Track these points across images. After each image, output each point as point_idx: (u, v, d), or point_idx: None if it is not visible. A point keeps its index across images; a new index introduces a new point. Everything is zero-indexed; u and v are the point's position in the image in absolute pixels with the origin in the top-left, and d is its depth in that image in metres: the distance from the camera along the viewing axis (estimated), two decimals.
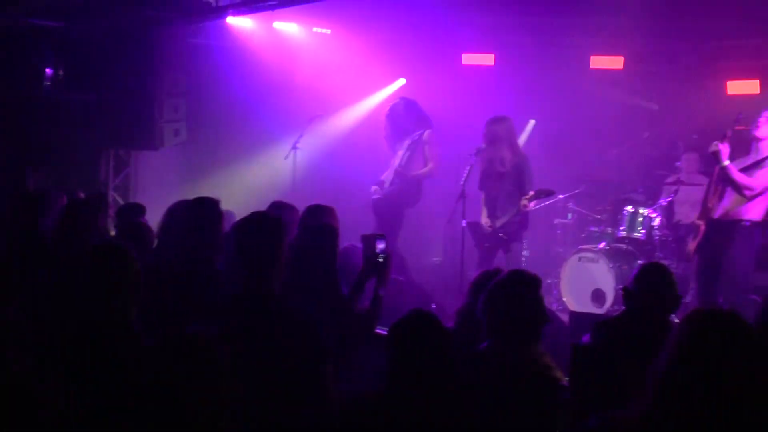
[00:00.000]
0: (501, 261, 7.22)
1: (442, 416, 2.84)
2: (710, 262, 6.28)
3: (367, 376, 3.95)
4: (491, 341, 3.42)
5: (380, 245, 4.33)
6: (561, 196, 9.01)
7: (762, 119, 6.17)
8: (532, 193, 6.93)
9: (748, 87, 9.57)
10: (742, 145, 6.43)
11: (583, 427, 2.43)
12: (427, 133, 8.07)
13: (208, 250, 4.46)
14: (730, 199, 6.20)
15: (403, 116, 8.16)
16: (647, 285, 3.63)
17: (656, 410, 2.25)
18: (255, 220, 3.48)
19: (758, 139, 6.17)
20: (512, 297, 3.40)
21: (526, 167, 7.14)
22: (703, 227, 6.25)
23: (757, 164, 6.05)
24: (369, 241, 4.35)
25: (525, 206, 6.94)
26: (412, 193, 8.07)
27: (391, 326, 3.02)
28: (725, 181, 6.20)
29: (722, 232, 6.18)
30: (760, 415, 2.17)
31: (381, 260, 4.32)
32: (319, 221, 4.76)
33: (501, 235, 7.13)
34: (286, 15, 9.27)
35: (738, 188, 6.05)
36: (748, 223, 6.17)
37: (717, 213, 6.23)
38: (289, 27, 9.62)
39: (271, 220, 3.49)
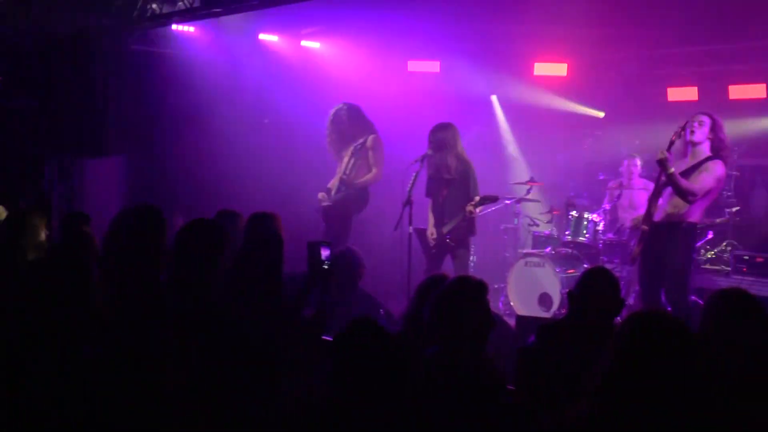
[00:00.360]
0: (449, 266, 7.27)
1: (386, 424, 2.84)
2: (652, 264, 6.40)
3: (314, 384, 3.95)
4: (438, 347, 3.44)
5: (325, 252, 4.33)
6: (507, 202, 9.11)
7: (696, 124, 6.31)
8: (477, 198, 6.98)
9: (687, 93, 9.81)
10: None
11: (529, 428, 2.47)
12: (370, 138, 8.07)
13: (152, 259, 4.41)
14: (670, 202, 6.33)
15: (346, 122, 8.14)
16: (590, 288, 3.66)
17: (598, 409, 2.29)
18: (195, 227, 3.46)
19: (694, 144, 6.29)
20: (458, 303, 3.41)
21: (471, 173, 7.18)
22: (646, 230, 6.37)
23: (695, 168, 6.18)
24: (314, 248, 4.34)
25: (471, 212, 6.99)
26: (359, 200, 8.08)
27: (336, 335, 3.02)
28: (669, 186, 6.32)
29: (663, 234, 6.30)
30: (698, 414, 2.23)
31: (326, 267, 4.32)
32: (263, 229, 4.74)
33: (448, 240, 7.18)
34: (233, 22, 9.25)
35: (683, 194, 6.16)
36: (687, 225, 6.30)
37: (657, 216, 6.35)
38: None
39: (211, 227, 3.48)
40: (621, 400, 2.26)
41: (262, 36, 9.82)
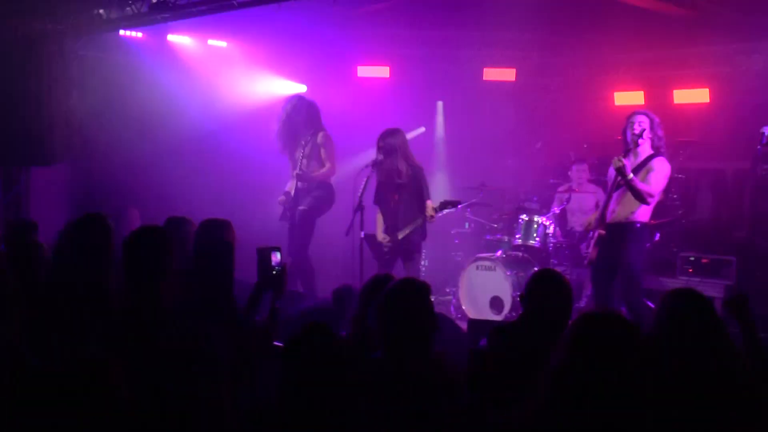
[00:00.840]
0: (400, 270, 7.29)
1: (336, 429, 2.84)
2: (606, 266, 6.50)
3: (266, 389, 3.92)
4: (384, 349, 3.45)
5: (275, 257, 4.32)
6: (458, 206, 9.16)
7: (636, 124, 6.43)
8: (441, 202, 7.05)
9: (634, 98, 9.98)
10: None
11: (480, 428, 2.49)
12: (320, 135, 8.07)
13: (99, 267, 4.35)
14: (620, 204, 6.43)
15: (305, 115, 8.14)
16: (540, 291, 3.71)
17: (548, 409, 2.31)
18: (143, 233, 3.44)
19: (637, 145, 6.43)
20: (401, 305, 3.44)
21: (422, 178, 7.23)
22: (603, 234, 6.45)
23: (640, 167, 6.30)
24: (264, 253, 4.33)
25: (432, 217, 7.03)
26: (328, 200, 8.09)
27: (286, 341, 3.01)
28: (619, 189, 6.42)
29: (615, 236, 6.40)
30: (644, 413, 2.26)
31: (275, 273, 4.31)
32: (213, 236, 4.70)
33: (404, 246, 7.21)
34: (181, 28, 9.17)
35: (642, 197, 6.28)
36: (638, 225, 6.41)
37: (609, 218, 6.46)
38: (183, 40, 9.52)
39: (159, 234, 3.46)
40: (570, 399, 2.28)
41: (210, 42, 9.72)
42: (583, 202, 8.94)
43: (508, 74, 10.59)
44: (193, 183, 9.04)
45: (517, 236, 8.57)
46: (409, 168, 7.20)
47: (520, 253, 8.51)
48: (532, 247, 8.48)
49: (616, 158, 6.24)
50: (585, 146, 9.86)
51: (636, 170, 6.27)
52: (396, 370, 3.34)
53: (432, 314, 3.51)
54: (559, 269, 8.27)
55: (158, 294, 3.32)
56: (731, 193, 9.31)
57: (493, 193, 9.73)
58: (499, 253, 8.50)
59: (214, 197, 8.92)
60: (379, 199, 7.43)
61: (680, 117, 9.33)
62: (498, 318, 7.99)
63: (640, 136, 6.36)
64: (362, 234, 7.18)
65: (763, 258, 7.87)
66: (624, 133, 6.56)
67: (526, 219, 8.55)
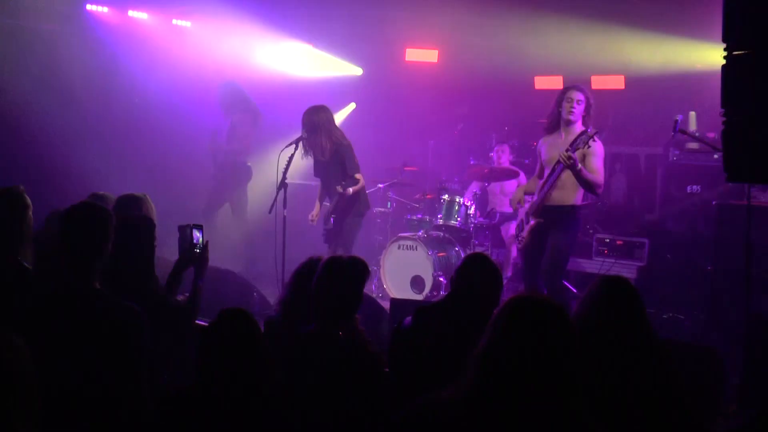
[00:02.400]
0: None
1: (253, 414, 2.82)
2: (537, 248, 6.49)
3: (187, 369, 3.86)
4: (316, 322, 3.47)
5: (197, 235, 4.25)
6: (380, 186, 9.19)
7: (575, 103, 6.31)
8: (343, 183, 7.03)
9: (553, 82, 10.15)
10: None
11: (404, 410, 2.48)
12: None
13: (13, 245, 4.18)
14: (554, 187, 6.36)
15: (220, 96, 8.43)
16: (470, 273, 3.71)
17: (476, 391, 2.32)
18: (82, 210, 3.30)
19: (572, 122, 6.36)
20: (344, 276, 3.54)
21: (347, 154, 7.20)
22: (542, 222, 6.40)
23: (574, 145, 6.09)
24: (185, 231, 4.26)
25: (342, 193, 7.02)
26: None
27: (205, 328, 2.97)
28: (555, 173, 6.33)
29: (549, 219, 6.40)
30: (570, 396, 2.30)
31: (198, 251, 4.25)
32: (132, 212, 4.59)
33: (332, 221, 7.26)
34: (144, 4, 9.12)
35: (592, 188, 6.24)
36: (571, 209, 6.40)
37: (545, 201, 6.40)
38: (141, 16, 9.39)
39: (100, 211, 3.33)
40: (498, 382, 2.30)
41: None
42: (505, 184, 9.05)
43: (430, 55, 10.63)
44: (121, 160, 8.82)
45: (438, 216, 8.63)
46: (333, 145, 7.17)
47: (442, 233, 8.58)
48: (453, 227, 8.56)
49: (563, 153, 6.00)
50: (506, 129, 9.98)
51: (571, 148, 6.08)
52: (327, 341, 3.41)
53: (358, 290, 3.60)
54: (479, 249, 8.42)
55: (94, 275, 3.20)
56: (644, 178, 9.57)
57: (415, 174, 9.79)
58: (420, 232, 8.56)
59: (141, 174, 8.74)
60: (316, 174, 7.48)
61: (598, 102, 9.51)
62: (419, 297, 8.06)
63: (569, 120, 6.30)
64: (285, 212, 7.12)
65: (674, 240, 8.14)
66: (557, 107, 6.45)
67: (448, 199, 8.61)
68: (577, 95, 6.36)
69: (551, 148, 6.50)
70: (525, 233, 6.57)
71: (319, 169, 7.38)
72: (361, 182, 7.25)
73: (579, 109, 6.35)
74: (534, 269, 6.54)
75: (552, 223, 6.39)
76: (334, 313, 3.50)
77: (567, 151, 6.02)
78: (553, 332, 2.31)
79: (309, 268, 3.95)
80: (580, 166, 6.08)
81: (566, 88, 6.52)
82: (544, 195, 6.41)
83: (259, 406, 2.83)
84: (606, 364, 3.09)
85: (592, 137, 6.05)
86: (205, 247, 4.29)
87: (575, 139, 6.09)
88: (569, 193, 6.39)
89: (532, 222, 6.51)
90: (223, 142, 9.02)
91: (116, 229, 3.65)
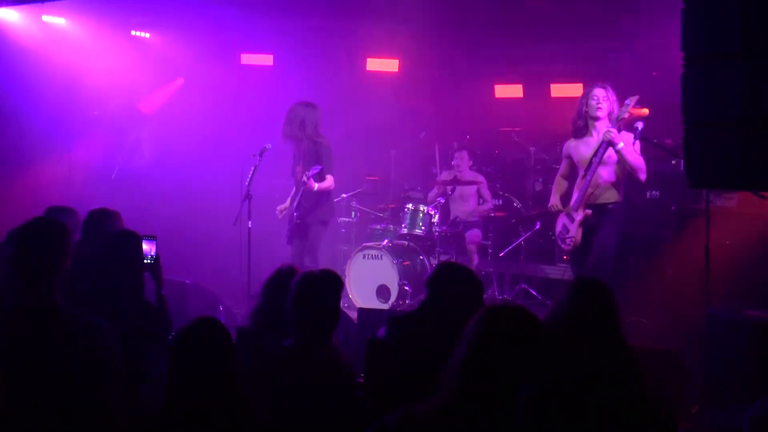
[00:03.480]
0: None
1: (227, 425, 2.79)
2: (582, 246, 6.45)
3: (158, 385, 3.84)
4: (296, 339, 3.47)
5: (148, 246, 4.30)
6: (344, 195, 9.20)
7: (603, 99, 6.37)
8: (307, 173, 7.01)
9: (513, 91, 10.28)
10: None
11: (381, 423, 2.48)
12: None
13: None
14: (595, 185, 6.37)
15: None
16: (444, 282, 3.70)
17: (455, 403, 2.33)
18: (36, 225, 3.25)
19: (598, 119, 6.41)
20: (322, 293, 3.57)
21: (326, 153, 7.21)
22: (589, 215, 6.37)
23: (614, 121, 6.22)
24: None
25: (305, 183, 6.99)
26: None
27: (175, 335, 2.94)
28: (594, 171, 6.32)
29: (594, 217, 6.40)
30: (547, 404, 2.34)
31: (150, 261, 4.32)
32: (107, 227, 4.56)
33: (297, 220, 7.26)
34: (56, 9, 8.77)
35: (635, 170, 6.23)
36: (614, 205, 6.44)
37: (589, 200, 6.38)
38: (59, 21, 9.08)
39: (55, 226, 3.28)
40: (476, 393, 2.32)
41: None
42: (465, 190, 9.10)
43: (391, 65, 10.68)
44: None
45: (403, 225, 8.66)
46: (314, 140, 7.24)
47: (407, 242, 8.62)
48: (417, 236, 8.60)
49: (606, 131, 6.12)
50: (468, 137, 10.06)
51: (612, 122, 6.20)
52: (306, 356, 3.41)
53: (337, 305, 3.60)
54: (444, 258, 8.46)
55: (54, 291, 3.15)
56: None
57: (378, 183, 9.81)
58: (385, 241, 8.57)
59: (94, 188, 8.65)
60: (292, 171, 7.50)
61: (558, 110, 9.66)
62: (385, 306, 8.07)
63: (596, 117, 6.33)
64: (249, 224, 7.10)
65: (637, 245, 8.25)
66: (583, 107, 6.48)
67: (412, 208, 8.65)
68: (607, 92, 6.41)
69: (584, 147, 6.52)
70: (573, 231, 6.48)
71: (295, 164, 7.38)
72: (330, 185, 7.22)
73: (606, 106, 6.40)
74: (581, 268, 6.51)
75: (597, 221, 6.39)
76: (313, 330, 3.49)
77: (608, 131, 6.12)
78: (528, 341, 2.35)
79: (279, 277, 3.96)
80: (621, 143, 6.13)
81: (589, 88, 6.55)
82: (584, 191, 6.38)
83: (232, 419, 2.80)
84: (575, 363, 3.11)
85: (631, 104, 6.14)
86: (157, 258, 4.38)
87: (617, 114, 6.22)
88: (611, 191, 6.42)
89: (578, 216, 6.44)
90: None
91: (104, 243, 3.67)
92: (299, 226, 7.28)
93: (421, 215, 8.61)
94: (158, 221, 7.90)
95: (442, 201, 8.85)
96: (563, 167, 6.94)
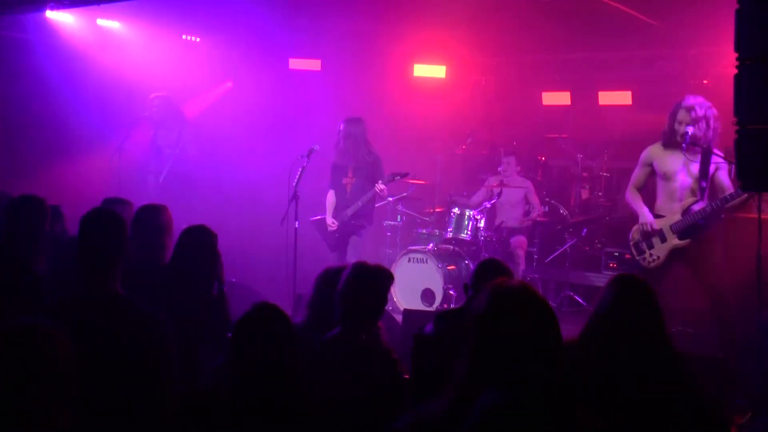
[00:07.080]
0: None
1: (288, 410, 2.82)
2: (666, 267, 6.48)
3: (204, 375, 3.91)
4: (342, 327, 3.52)
5: None
6: (390, 199, 9.22)
7: (704, 118, 6.14)
8: (388, 174, 7.59)
9: (561, 98, 10.23)
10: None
11: (409, 416, 2.38)
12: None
13: (27, 253, 4.25)
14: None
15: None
16: (485, 279, 3.71)
17: (459, 403, 2.22)
18: (99, 216, 3.34)
19: (686, 140, 6.18)
20: (372, 280, 3.68)
21: (380, 166, 7.75)
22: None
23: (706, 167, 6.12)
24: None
25: (381, 190, 7.52)
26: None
27: (238, 320, 2.98)
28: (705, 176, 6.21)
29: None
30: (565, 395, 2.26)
31: None
32: (156, 220, 4.66)
33: (350, 227, 7.66)
34: (111, 12, 8.97)
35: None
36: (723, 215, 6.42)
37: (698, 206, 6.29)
38: (112, 24, 9.29)
39: (116, 217, 3.36)
40: (482, 379, 2.20)
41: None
42: (512, 196, 9.08)
43: (438, 71, 10.70)
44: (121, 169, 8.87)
45: (448, 229, 8.68)
46: (371, 155, 7.72)
47: (452, 246, 8.62)
48: (463, 240, 8.60)
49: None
50: (514, 143, 10.04)
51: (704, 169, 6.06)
52: (352, 341, 3.50)
53: (383, 296, 3.72)
54: None
55: (115, 280, 3.23)
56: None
57: (424, 188, 9.83)
58: (430, 245, 8.59)
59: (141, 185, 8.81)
60: (334, 183, 7.85)
61: (605, 118, 9.63)
62: (430, 310, 8.07)
63: (706, 128, 6.09)
64: (296, 224, 7.19)
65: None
66: (672, 123, 6.28)
67: (458, 212, 8.65)
68: (710, 111, 6.14)
69: (672, 161, 6.40)
70: (663, 255, 6.46)
71: (342, 175, 7.73)
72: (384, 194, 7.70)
73: (692, 127, 6.13)
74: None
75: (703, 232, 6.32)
76: (360, 316, 3.58)
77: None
78: (544, 319, 2.24)
79: (328, 277, 4.01)
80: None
81: (677, 104, 6.29)
82: (695, 220, 6.26)
83: (292, 402, 2.81)
84: (619, 362, 3.09)
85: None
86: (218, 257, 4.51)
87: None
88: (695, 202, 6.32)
89: (675, 242, 6.39)
90: None
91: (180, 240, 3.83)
92: (349, 234, 7.72)
93: (466, 220, 8.61)
94: (205, 220, 8.01)
95: (488, 206, 8.83)
96: (641, 176, 6.70)
